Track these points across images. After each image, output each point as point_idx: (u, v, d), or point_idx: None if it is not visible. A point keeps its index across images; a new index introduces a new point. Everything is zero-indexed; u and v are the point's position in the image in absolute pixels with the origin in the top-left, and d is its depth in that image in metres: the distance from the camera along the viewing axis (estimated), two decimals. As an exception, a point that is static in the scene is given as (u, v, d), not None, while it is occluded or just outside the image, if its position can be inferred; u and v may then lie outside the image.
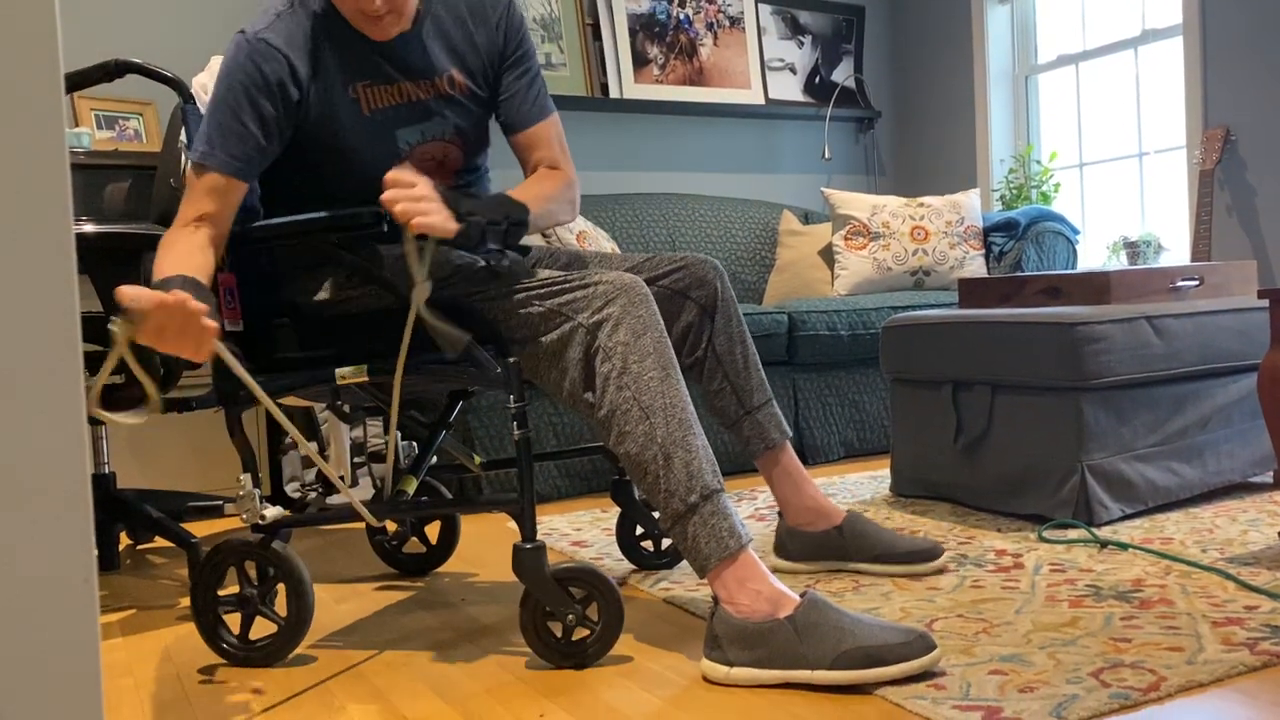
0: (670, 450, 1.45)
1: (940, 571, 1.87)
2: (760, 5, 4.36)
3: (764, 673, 1.39)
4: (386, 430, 2.16)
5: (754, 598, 1.42)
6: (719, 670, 1.42)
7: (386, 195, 1.44)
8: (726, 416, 1.83)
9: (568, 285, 1.53)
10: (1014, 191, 4.07)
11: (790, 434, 1.85)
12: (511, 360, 1.54)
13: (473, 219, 1.50)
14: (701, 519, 1.44)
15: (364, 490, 2.88)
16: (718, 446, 3.17)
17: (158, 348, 1.32)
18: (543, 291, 1.54)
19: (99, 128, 3.18)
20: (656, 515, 1.78)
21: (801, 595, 1.42)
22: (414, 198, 1.44)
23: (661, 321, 1.53)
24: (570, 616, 1.51)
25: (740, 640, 1.40)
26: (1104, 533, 2.12)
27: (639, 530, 2.07)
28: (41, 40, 0.61)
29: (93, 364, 2.12)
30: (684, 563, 2.07)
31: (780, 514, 1.90)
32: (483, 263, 1.59)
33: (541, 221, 1.68)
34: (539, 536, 2.40)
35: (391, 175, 1.45)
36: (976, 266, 3.64)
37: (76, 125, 3.13)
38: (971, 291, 2.68)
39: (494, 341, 1.59)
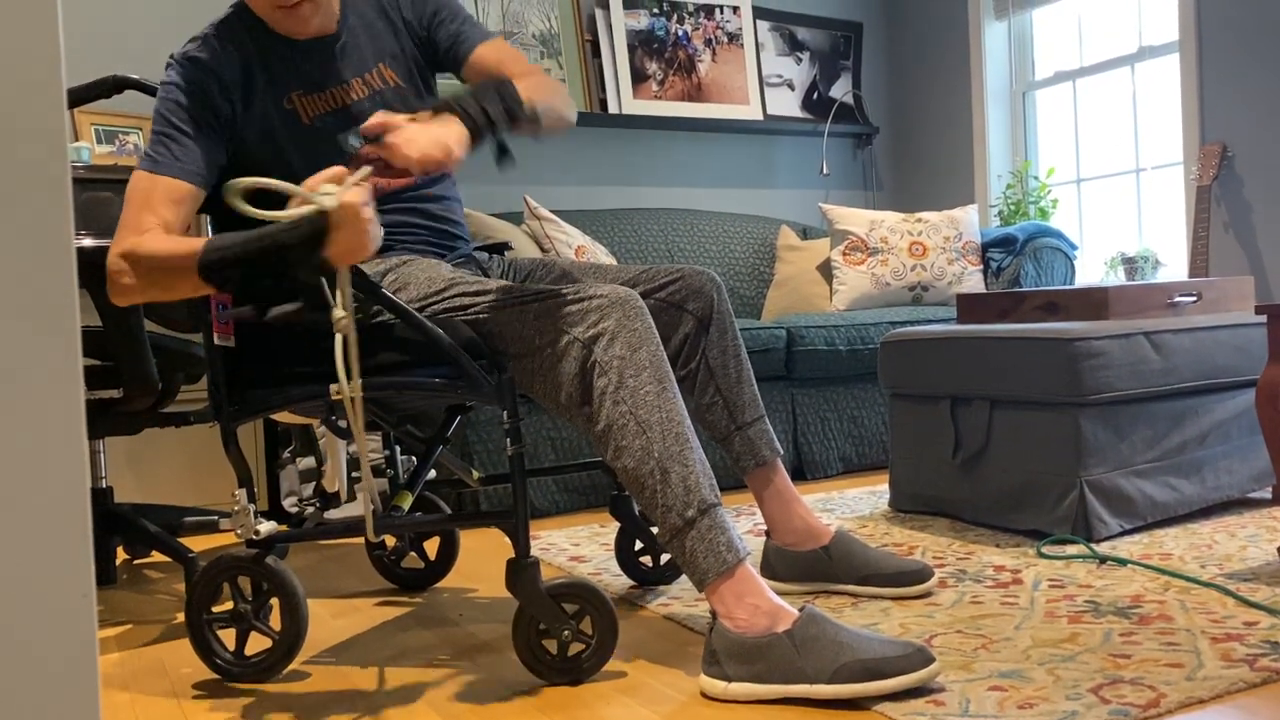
0: (667, 465, 1.45)
1: (929, 594, 1.85)
2: (759, 21, 4.38)
3: (762, 688, 1.39)
4: (386, 445, 2.16)
5: (752, 612, 1.42)
6: (717, 686, 1.41)
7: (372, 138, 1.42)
8: (717, 431, 1.81)
9: (563, 298, 1.52)
10: (1012, 207, 4.08)
11: (781, 452, 1.84)
12: (505, 375, 1.54)
13: (466, 108, 1.48)
14: (699, 533, 1.44)
15: (361, 505, 2.87)
16: (715, 461, 3.17)
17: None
18: (537, 305, 1.53)
19: (99, 142, 3.19)
20: (655, 530, 1.78)
21: (800, 610, 1.42)
22: (391, 139, 1.42)
23: (657, 335, 1.53)
24: (565, 632, 1.50)
25: (738, 655, 1.40)
26: (1103, 548, 2.12)
27: (638, 545, 2.06)
28: (44, 57, 0.61)
29: (92, 379, 2.12)
30: (682, 578, 2.06)
31: (768, 532, 1.89)
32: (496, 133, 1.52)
33: (547, 108, 1.60)
34: (536, 552, 2.40)
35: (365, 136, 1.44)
36: (975, 282, 3.65)
37: (76, 140, 3.14)
38: (970, 307, 2.68)
39: (488, 356, 1.59)
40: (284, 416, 1.90)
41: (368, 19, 1.77)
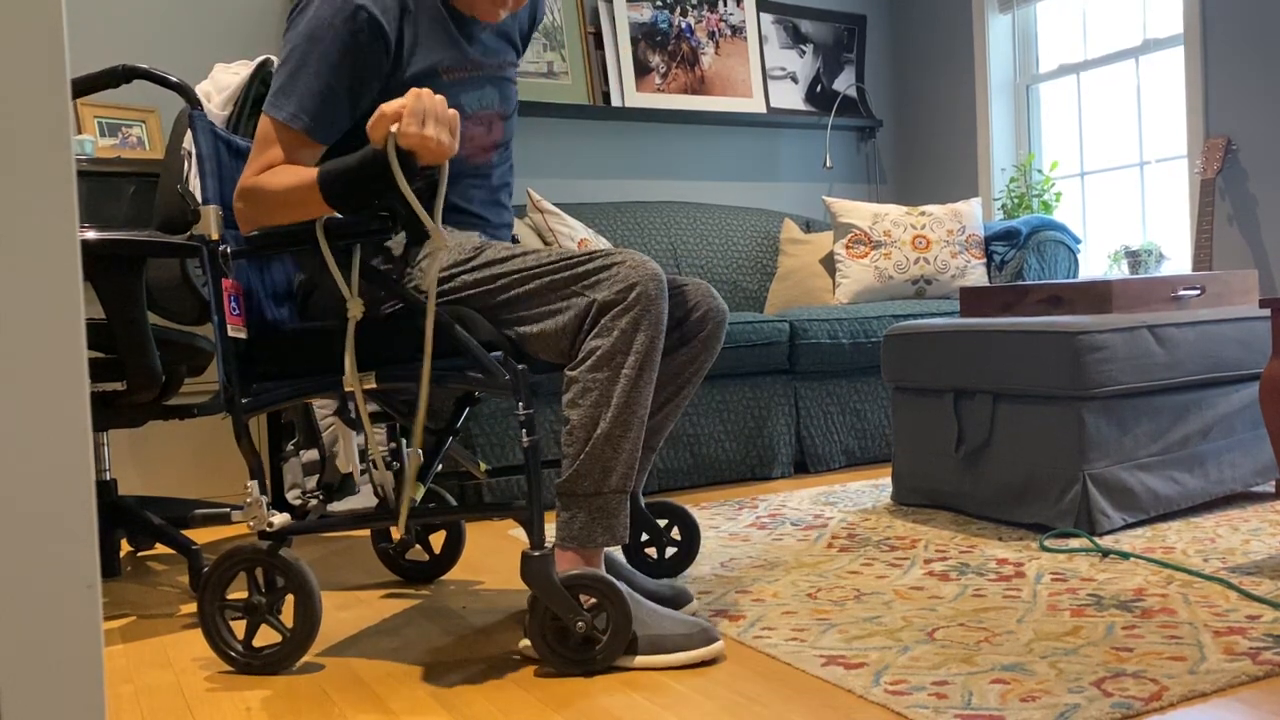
0: (602, 442, 1.53)
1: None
2: (762, 14, 4.37)
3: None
4: (391, 437, 2.16)
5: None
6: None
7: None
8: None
9: (590, 263, 1.56)
10: (1015, 200, 4.07)
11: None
12: (521, 367, 1.55)
13: None
14: (593, 508, 1.55)
15: (365, 497, 2.88)
16: (722, 454, 3.17)
17: (422, 144, 1.44)
18: (562, 269, 1.57)
19: (102, 135, 3.19)
20: (562, 465, 1.73)
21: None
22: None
23: (664, 322, 1.56)
24: (580, 623, 1.51)
25: (558, 634, 1.54)
26: (1106, 542, 2.12)
27: (643, 537, 2.07)
28: (48, 46, 0.61)
29: (96, 371, 2.12)
30: (688, 572, 2.07)
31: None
32: None
33: None
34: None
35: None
36: (978, 275, 3.64)
37: (80, 132, 3.14)
38: (973, 300, 2.68)
39: (502, 349, 1.59)
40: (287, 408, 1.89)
41: (505, 23, 1.83)
